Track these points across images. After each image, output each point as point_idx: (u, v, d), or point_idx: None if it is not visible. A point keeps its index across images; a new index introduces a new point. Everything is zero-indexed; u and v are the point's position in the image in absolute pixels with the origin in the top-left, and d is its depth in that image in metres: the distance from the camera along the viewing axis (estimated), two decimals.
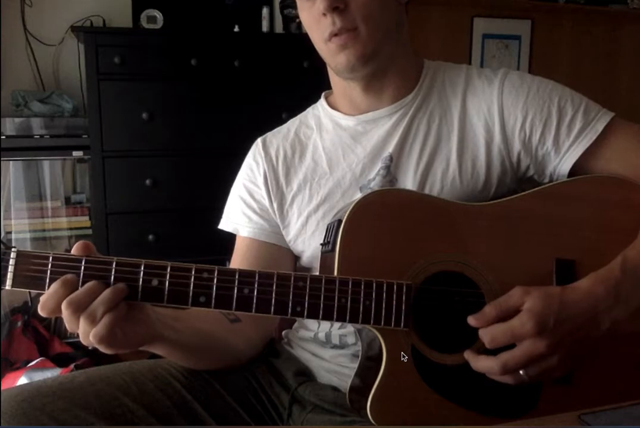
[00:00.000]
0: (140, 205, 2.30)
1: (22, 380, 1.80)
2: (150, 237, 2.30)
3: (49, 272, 0.72)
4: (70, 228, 2.42)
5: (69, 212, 2.41)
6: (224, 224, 1.06)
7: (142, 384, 0.89)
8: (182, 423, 0.89)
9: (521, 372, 0.74)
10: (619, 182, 0.89)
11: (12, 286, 0.72)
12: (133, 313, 0.74)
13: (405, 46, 0.98)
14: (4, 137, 2.24)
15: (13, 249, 0.72)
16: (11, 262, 0.72)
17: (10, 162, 2.32)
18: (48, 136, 2.29)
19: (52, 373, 1.84)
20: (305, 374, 0.99)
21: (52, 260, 0.72)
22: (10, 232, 2.32)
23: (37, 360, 1.99)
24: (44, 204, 2.39)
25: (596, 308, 0.76)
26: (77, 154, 2.31)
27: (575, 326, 0.75)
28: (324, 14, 0.88)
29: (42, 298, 0.71)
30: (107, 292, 0.71)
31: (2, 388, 0.90)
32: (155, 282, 0.74)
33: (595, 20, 3.35)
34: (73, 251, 0.74)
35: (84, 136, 2.30)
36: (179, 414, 0.89)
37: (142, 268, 0.74)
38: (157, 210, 2.33)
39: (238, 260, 1.03)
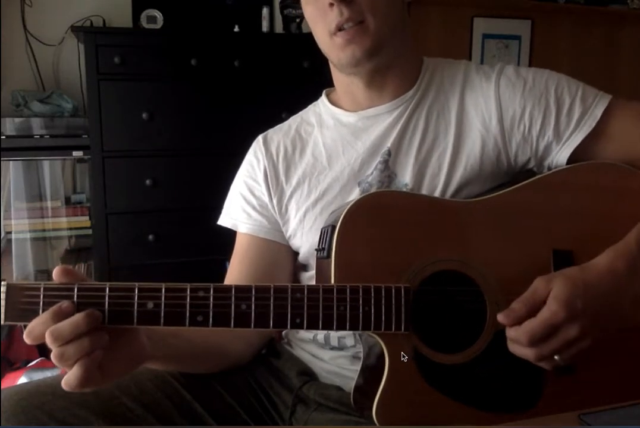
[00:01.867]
0: (140, 205, 2.30)
1: (22, 380, 1.80)
2: (150, 237, 2.29)
3: (41, 303, 0.70)
4: (70, 229, 2.41)
5: (69, 212, 2.41)
6: (223, 220, 1.06)
7: (142, 383, 0.89)
8: (182, 422, 0.89)
9: (556, 357, 0.75)
10: (613, 168, 0.89)
11: (5, 320, 0.70)
12: (121, 342, 0.73)
13: (408, 43, 0.98)
14: (4, 137, 2.23)
15: (3, 282, 0.70)
16: (2, 296, 0.70)
17: (10, 162, 2.31)
18: (48, 136, 2.29)
19: (52, 373, 1.84)
20: (308, 374, 0.99)
21: (44, 290, 0.70)
22: (10, 232, 2.32)
23: (37, 360, 1.99)
24: (44, 204, 2.38)
25: (618, 283, 0.77)
26: (77, 154, 2.31)
27: (601, 304, 0.75)
28: (331, 4, 0.87)
29: (30, 325, 0.69)
30: (84, 340, 0.68)
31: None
32: (150, 305, 0.72)
33: (595, 20, 3.34)
34: (55, 277, 0.71)
35: (84, 136, 2.30)
36: (178, 414, 0.89)
37: (136, 291, 0.72)
38: (157, 210, 2.33)
39: (238, 258, 1.04)
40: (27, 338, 0.69)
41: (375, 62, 0.91)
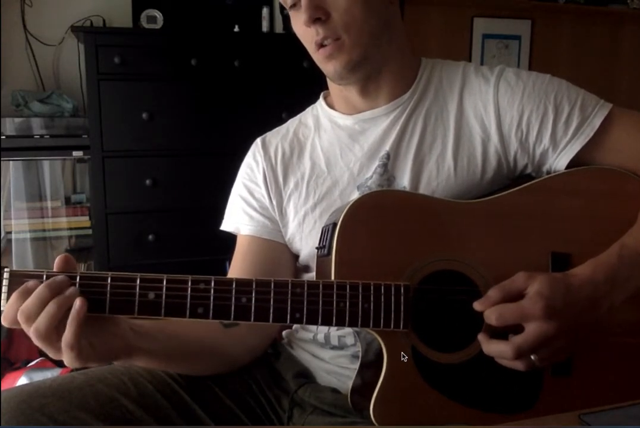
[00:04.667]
0: (140, 205, 2.30)
1: (22, 380, 1.80)
2: (150, 237, 2.29)
3: None
4: (70, 228, 2.42)
5: (69, 212, 2.41)
6: (226, 225, 1.06)
7: (141, 385, 0.89)
8: (181, 424, 0.89)
9: (532, 356, 0.75)
10: (610, 173, 0.89)
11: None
12: (104, 326, 0.74)
13: (400, 45, 0.97)
14: (4, 137, 2.24)
15: (5, 269, 0.71)
16: (4, 282, 0.71)
17: (10, 162, 2.31)
18: (48, 136, 2.29)
19: (52, 373, 1.84)
20: (304, 376, 0.99)
21: (47, 278, 0.72)
22: (10, 232, 2.32)
23: (37, 360, 1.99)
24: (44, 204, 2.39)
25: (596, 293, 0.78)
26: (77, 154, 2.31)
27: (579, 310, 0.76)
28: (308, 25, 0.89)
29: (5, 309, 0.71)
30: (49, 306, 0.69)
31: (2, 388, 0.90)
32: (152, 296, 0.73)
33: (595, 20, 3.35)
34: (55, 266, 0.73)
35: (84, 136, 2.30)
36: (177, 415, 0.89)
37: (138, 282, 0.73)
38: (157, 210, 2.33)
39: (239, 259, 1.03)
40: (4, 322, 0.71)
41: (360, 73, 0.92)
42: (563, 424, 0.67)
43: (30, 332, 0.70)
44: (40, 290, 0.70)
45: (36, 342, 0.70)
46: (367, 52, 0.91)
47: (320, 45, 0.90)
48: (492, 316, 0.75)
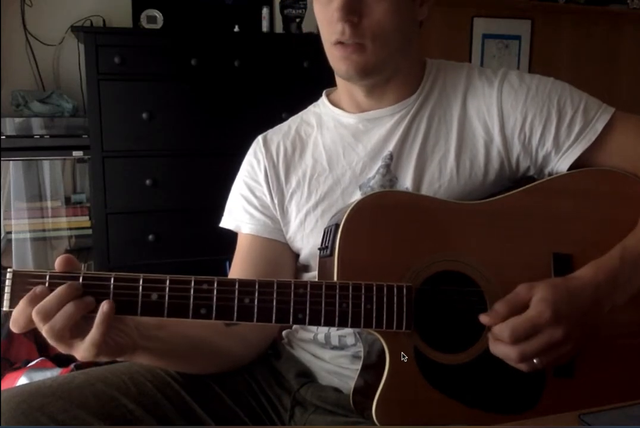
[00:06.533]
0: (140, 205, 2.30)
1: (22, 380, 1.80)
2: (150, 237, 2.29)
3: None
4: (70, 228, 2.42)
5: (69, 212, 2.41)
6: (226, 222, 1.06)
7: (141, 384, 0.89)
8: (182, 424, 0.89)
9: (535, 360, 0.75)
10: (611, 174, 0.90)
11: (10, 307, 0.72)
12: (114, 323, 0.74)
13: (413, 56, 0.98)
14: (4, 137, 2.23)
15: (9, 270, 0.72)
16: (7, 282, 0.71)
17: (10, 162, 2.31)
18: (48, 136, 2.29)
19: (52, 373, 1.84)
20: (306, 375, 0.99)
21: (49, 278, 0.72)
22: (10, 232, 2.32)
23: (37, 360, 1.98)
24: (44, 204, 2.39)
25: (598, 294, 0.79)
26: (77, 154, 2.31)
27: (583, 312, 0.77)
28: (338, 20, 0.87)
29: (13, 314, 0.71)
30: (67, 306, 0.70)
31: (2, 388, 0.90)
32: (154, 296, 0.73)
33: (595, 20, 3.34)
34: (56, 267, 0.73)
35: (84, 136, 2.30)
36: (178, 415, 0.89)
37: (141, 282, 0.73)
38: (157, 210, 2.33)
39: (240, 258, 1.03)
40: (13, 327, 0.71)
41: (369, 80, 0.93)
42: (563, 424, 0.67)
43: (45, 329, 0.70)
44: (61, 290, 0.70)
45: (49, 339, 0.71)
46: (383, 64, 0.91)
47: (340, 42, 0.89)
48: (504, 333, 0.75)
